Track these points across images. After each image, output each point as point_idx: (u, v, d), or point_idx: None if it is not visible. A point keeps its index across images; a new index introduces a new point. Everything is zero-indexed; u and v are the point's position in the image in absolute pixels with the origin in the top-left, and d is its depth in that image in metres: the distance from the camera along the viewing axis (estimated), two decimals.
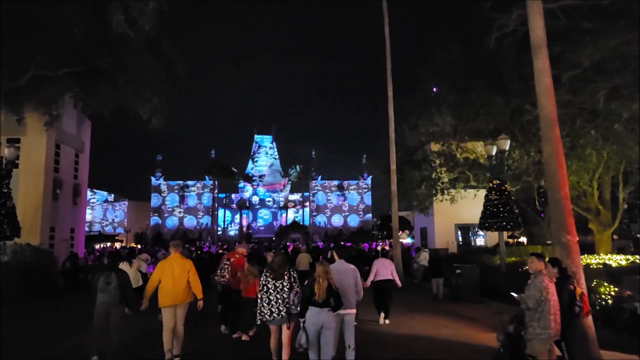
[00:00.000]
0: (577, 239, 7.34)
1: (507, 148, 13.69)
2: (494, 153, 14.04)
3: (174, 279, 6.77)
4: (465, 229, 25.46)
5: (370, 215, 79.51)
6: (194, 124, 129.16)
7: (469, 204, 23.38)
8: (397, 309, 12.23)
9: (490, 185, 13.70)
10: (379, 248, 24.82)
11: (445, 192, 20.23)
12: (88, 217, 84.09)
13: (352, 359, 6.45)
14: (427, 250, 18.62)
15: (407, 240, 61.67)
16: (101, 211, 78.05)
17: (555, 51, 12.16)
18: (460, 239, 24.98)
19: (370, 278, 10.03)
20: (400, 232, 28.15)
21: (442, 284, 14.32)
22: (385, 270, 10.15)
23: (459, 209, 23.65)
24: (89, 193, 76.08)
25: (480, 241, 26.01)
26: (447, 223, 24.31)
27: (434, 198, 20.84)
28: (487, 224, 13.34)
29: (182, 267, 6.90)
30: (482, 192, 22.29)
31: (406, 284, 17.83)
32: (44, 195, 18.08)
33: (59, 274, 17.70)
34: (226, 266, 8.49)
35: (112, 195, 79.22)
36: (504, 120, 17.56)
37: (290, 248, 24.71)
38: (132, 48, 14.76)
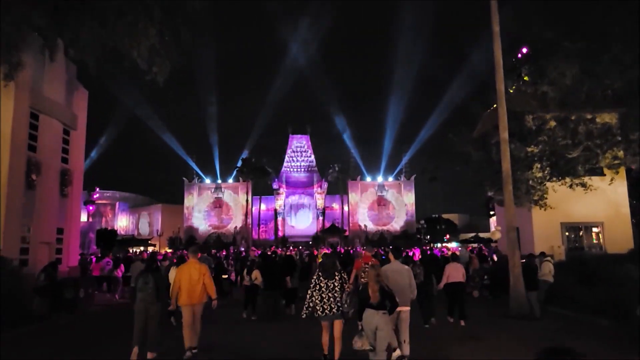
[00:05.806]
0: None
1: None
2: None
3: (191, 281, 7.65)
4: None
5: (414, 217, 73.70)
6: (226, 125, 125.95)
7: (580, 196, 17.36)
8: None
9: None
10: (449, 252, 20.72)
11: (572, 176, 14.20)
12: (122, 222, 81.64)
13: (407, 353, 6.89)
14: (549, 259, 12.64)
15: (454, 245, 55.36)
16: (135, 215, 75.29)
17: None
18: (566, 242, 18.60)
19: (443, 281, 10.59)
20: (494, 228, 22.32)
21: (537, 299, 11.55)
22: (456, 273, 10.66)
23: (565, 203, 17.62)
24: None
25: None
26: (550, 221, 17.99)
27: (556, 184, 14.85)
28: None
29: (198, 271, 7.79)
30: (619, 179, 17.00)
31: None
32: (10, 181, 12.79)
33: (33, 291, 12.86)
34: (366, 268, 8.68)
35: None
36: None
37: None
38: None
